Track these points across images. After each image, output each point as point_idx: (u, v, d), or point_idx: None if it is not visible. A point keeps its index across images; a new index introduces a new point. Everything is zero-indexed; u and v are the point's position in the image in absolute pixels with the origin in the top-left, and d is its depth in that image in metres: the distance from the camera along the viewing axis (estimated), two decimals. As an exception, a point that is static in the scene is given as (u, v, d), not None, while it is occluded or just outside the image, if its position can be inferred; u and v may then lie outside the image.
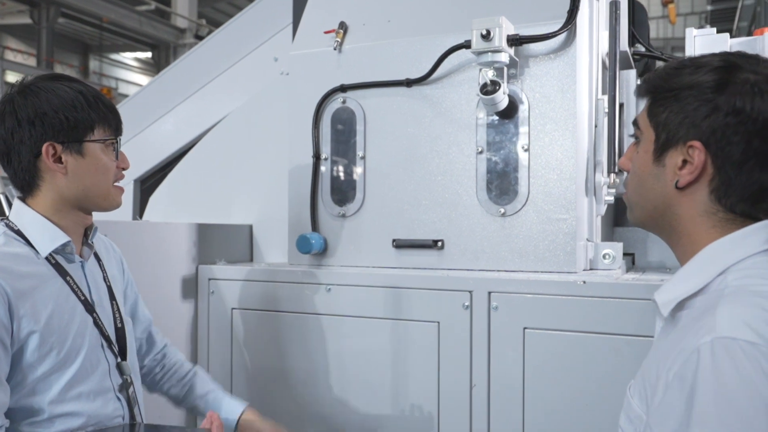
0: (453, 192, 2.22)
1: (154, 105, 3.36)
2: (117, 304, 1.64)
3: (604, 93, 2.32)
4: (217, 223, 2.67)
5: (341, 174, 2.41)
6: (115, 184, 1.60)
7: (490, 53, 2.00)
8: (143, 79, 20.07)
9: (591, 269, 2.17)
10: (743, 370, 0.92)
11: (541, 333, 1.97)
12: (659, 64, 3.10)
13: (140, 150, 3.26)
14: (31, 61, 16.67)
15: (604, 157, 2.22)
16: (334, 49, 2.40)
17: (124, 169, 1.62)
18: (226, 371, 2.45)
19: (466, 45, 2.08)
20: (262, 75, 2.99)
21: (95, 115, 1.53)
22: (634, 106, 2.38)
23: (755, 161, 1.09)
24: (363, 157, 2.36)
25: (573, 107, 2.08)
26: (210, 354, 2.48)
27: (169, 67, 3.45)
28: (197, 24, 17.57)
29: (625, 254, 2.42)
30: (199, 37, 16.62)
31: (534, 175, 2.12)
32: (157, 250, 2.35)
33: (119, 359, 1.59)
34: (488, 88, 2.04)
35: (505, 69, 2.08)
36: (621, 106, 2.34)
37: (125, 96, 17.21)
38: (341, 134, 2.41)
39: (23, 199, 1.55)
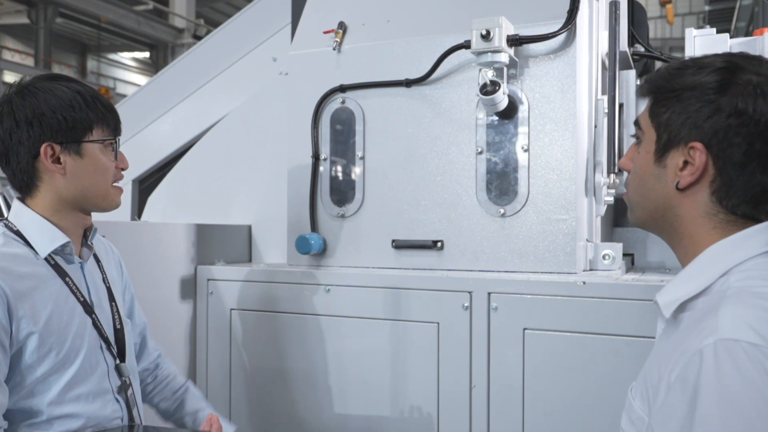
0: (452, 192, 2.22)
1: (152, 105, 3.35)
2: (116, 305, 1.64)
3: (603, 93, 2.32)
4: (215, 224, 2.66)
5: (340, 174, 2.40)
6: (114, 184, 1.59)
7: (489, 53, 2.00)
8: (141, 79, 20.05)
9: (591, 270, 2.17)
10: (746, 371, 0.91)
11: (540, 334, 1.96)
12: (658, 64, 3.11)
13: (138, 150, 3.25)
14: (29, 61, 16.65)
15: (603, 158, 2.22)
16: (334, 49, 2.40)
17: (123, 169, 1.61)
18: (225, 372, 2.44)
19: (466, 45, 2.08)
20: (260, 75, 2.99)
21: (93, 116, 1.52)
22: (634, 107, 2.38)
23: (757, 163, 1.09)
24: (362, 158, 2.36)
25: (573, 107, 2.08)
26: (209, 355, 2.48)
27: (168, 67, 3.44)
28: (195, 24, 17.56)
29: (624, 255, 2.42)
30: (198, 37, 16.60)
31: (534, 176, 2.12)
32: (156, 251, 2.34)
33: (118, 361, 1.59)
34: (488, 89, 2.04)
35: (505, 69, 2.08)
36: (621, 106, 2.34)
37: (123, 96, 17.19)
38: (340, 134, 2.40)
39: (22, 200, 1.54)
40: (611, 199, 2.28)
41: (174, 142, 3.27)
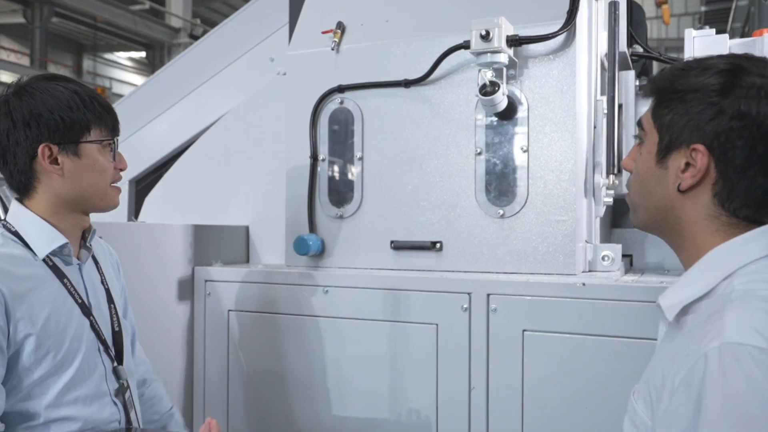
0: (451, 193, 2.21)
1: (149, 105, 3.34)
2: (115, 307, 1.63)
3: (603, 94, 2.32)
4: (213, 225, 2.65)
5: (339, 175, 2.39)
6: (113, 184, 1.58)
7: (489, 54, 1.99)
8: (137, 79, 20.00)
9: (590, 271, 2.16)
10: (751, 375, 0.91)
11: (540, 335, 1.96)
12: (656, 64, 3.10)
13: (135, 150, 3.23)
14: (25, 61, 16.60)
15: (603, 158, 2.21)
16: (332, 49, 2.39)
17: (121, 169, 1.60)
18: (223, 374, 2.43)
19: (465, 45, 2.07)
20: (258, 75, 2.98)
21: (91, 116, 1.51)
22: (633, 107, 2.37)
23: (759, 166, 1.08)
24: (361, 158, 2.35)
25: (572, 108, 2.07)
26: (206, 356, 2.47)
27: (165, 67, 3.43)
28: (192, 24, 17.53)
29: (623, 256, 2.41)
30: (194, 37, 16.57)
31: (533, 177, 2.11)
32: (153, 252, 2.33)
33: (116, 363, 1.58)
34: (487, 89, 2.03)
35: (504, 70, 2.07)
36: (620, 107, 2.33)
37: (119, 96, 17.16)
38: (339, 135, 2.39)
39: (20, 201, 1.53)
40: (610, 200, 2.27)
41: (171, 143, 3.26)
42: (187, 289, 2.47)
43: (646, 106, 2.33)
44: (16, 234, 1.48)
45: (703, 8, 15.45)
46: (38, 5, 15.50)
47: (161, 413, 1.86)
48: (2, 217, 1.54)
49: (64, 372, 1.45)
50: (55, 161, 1.49)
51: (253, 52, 3.07)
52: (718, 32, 2.34)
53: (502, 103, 2.06)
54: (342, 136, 2.39)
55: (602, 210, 2.25)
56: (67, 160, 1.49)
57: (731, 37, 2.40)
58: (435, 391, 2.08)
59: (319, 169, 2.42)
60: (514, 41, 2.05)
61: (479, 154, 2.18)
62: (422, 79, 2.23)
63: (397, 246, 2.27)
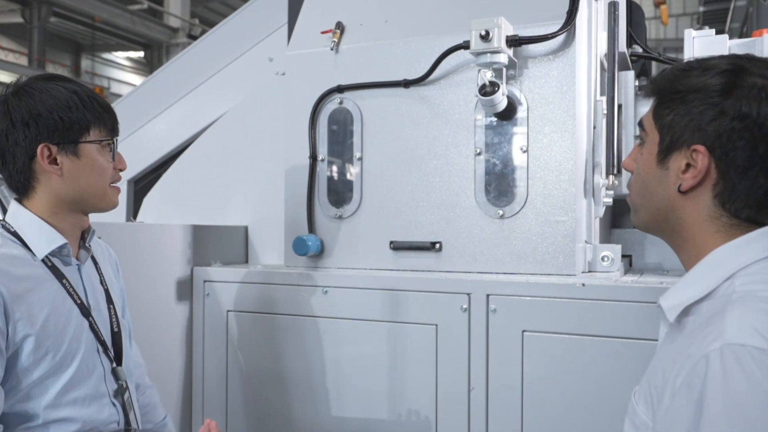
0: (451, 194, 2.21)
1: (147, 105, 3.33)
2: (114, 308, 1.62)
3: (602, 94, 2.31)
4: (212, 225, 2.65)
5: (338, 175, 2.39)
6: (112, 184, 1.58)
7: (489, 54, 1.99)
8: (136, 79, 19.98)
9: (590, 271, 2.16)
10: (753, 377, 0.91)
11: (539, 336, 1.96)
12: (655, 65, 3.10)
13: (134, 150, 3.23)
14: (23, 61, 16.57)
15: (602, 159, 2.21)
16: (331, 49, 2.39)
17: (121, 170, 1.60)
18: (222, 374, 2.43)
19: (465, 45, 2.07)
20: (256, 75, 2.97)
21: (90, 116, 1.51)
22: (633, 108, 2.37)
23: (760, 167, 1.08)
24: (360, 158, 2.34)
25: (572, 108, 2.07)
26: (205, 357, 2.46)
27: (163, 67, 3.43)
28: (190, 23, 17.51)
29: (622, 256, 2.41)
30: (192, 37, 16.55)
31: (533, 177, 2.11)
32: (152, 252, 2.32)
33: (114, 364, 1.57)
34: (487, 89, 2.03)
35: (504, 70, 2.07)
36: (619, 107, 2.33)
37: (117, 95, 17.14)
38: (338, 135, 2.39)
39: (20, 201, 1.53)
40: (610, 200, 2.27)
41: (170, 143, 3.25)
42: (185, 289, 2.46)
43: (645, 106, 2.35)
44: (15, 234, 1.48)
45: (701, 8, 15.47)
46: (36, 5, 15.48)
47: (154, 422, 1.84)
48: (1, 218, 1.53)
49: (63, 373, 1.45)
50: (54, 161, 1.48)
51: (252, 52, 3.07)
52: (716, 33, 2.34)
53: (502, 104, 2.05)
54: (341, 137, 2.38)
55: (602, 210, 2.25)
56: (67, 161, 1.49)
57: (730, 37, 2.40)
58: (434, 391, 2.08)
59: (318, 169, 2.41)
60: (514, 41, 2.05)
61: (479, 154, 2.17)
62: (422, 79, 2.23)
63: (397, 246, 2.27)
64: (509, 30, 2.03)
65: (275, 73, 2.82)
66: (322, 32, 2.43)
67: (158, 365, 2.33)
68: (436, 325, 2.07)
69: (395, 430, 2.14)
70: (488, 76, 2.03)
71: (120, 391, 1.57)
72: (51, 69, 16.74)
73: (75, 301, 1.50)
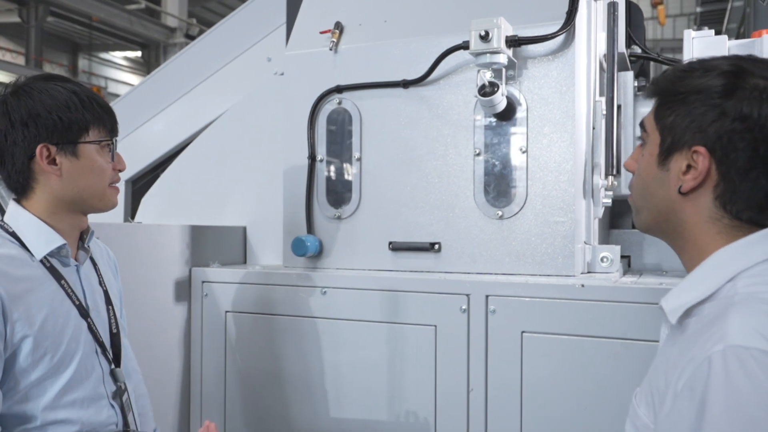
0: (450, 194, 2.20)
1: (145, 105, 3.33)
2: (113, 309, 1.62)
3: (601, 95, 2.31)
4: (210, 225, 2.64)
5: (337, 175, 2.38)
6: (111, 185, 1.57)
7: (488, 54, 1.99)
8: (133, 79, 19.94)
9: (589, 272, 2.16)
10: (755, 379, 0.90)
11: (539, 337, 1.95)
12: (653, 65, 3.10)
13: (132, 150, 3.22)
14: (20, 60, 16.54)
15: (602, 159, 2.21)
16: (330, 49, 2.38)
17: (120, 170, 1.59)
18: (220, 375, 2.42)
19: (464, 46, 2.07)
20: (255, 75, 2.97)
21: (90, 116, 1.50)
22: (632, 108, 2.37)
23: (761, 169, 1.08)
24: (359, 159, 2.34)
25: (571, 109, 2.06)
26: (203, 358, 2.45)
27: (161, 67, 3.42)
28: (187, 23, 17.49)
29: (621, 257, 2.41)
30: (190, 37, 16.53)
31: (532, 178, 2.11)
32: (150, 253, 2.32)
33: (113, 366, 1.56)
34: (486, 90, 2.02)
35: (504, 70, 2.06)
36: (619, 107, 2.33)
37: (115, 95, 17.13)
38: (337, 135, 2.39)
39: (18, 201, 1.52)
40: (609, 201, 2.27)
41: (167, 143, 3.25)
42: (184, 290, 2.46)
43: (644, 106, 2.35)
44: (13, 234, 1.47)
45: (698, 9, 15.46)
46: (33, 4, 15.45)
47: None
48: (1, 217, 1.53)
49: (62, 374, 1.44)
50: (53, 162, 1.47)
51: (250, 52, 3.06)
52: (715, 33, 2.34)
53: (501, 104, 2.05)
54: (340, 137, 2.38)
55: (601, 211, 2.25)
56: (66, 161, 1.48)
57: (728, 38, 2.40)
58: (433, 392, 2.07)
59: (317, 169, 2.41)
60: (514, 42, 2.05)
61: (478, 154, 2.17)
62: (421, 79, 2.23)
63: (396, 247, 2.26)
64: (509, 30, 2.03)
65: (273, 73, 2.81)
66: (321, 32, 2.42)
67: (156, 366, 2.33)
68: (435, 326, 2.07)
69: (394, 431, 2.13)
70: (488, 76, 2.03)
71: (119, 393, 1.56)
72: (48, 68, 16.71)
73: (73, 302, 1.49)
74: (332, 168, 2.39)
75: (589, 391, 1.89)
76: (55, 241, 1.48)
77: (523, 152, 2.12)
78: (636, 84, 2.40)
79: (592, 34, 2.26)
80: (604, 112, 2.21)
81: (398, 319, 2.13)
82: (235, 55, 3.11)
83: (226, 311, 2.41)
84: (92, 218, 1.64)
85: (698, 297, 1.09)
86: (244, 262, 2.77)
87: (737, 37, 2.49)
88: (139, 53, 19.66)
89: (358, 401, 2.19)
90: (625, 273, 2.39)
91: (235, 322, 2.40)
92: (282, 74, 2.59)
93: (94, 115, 1.51)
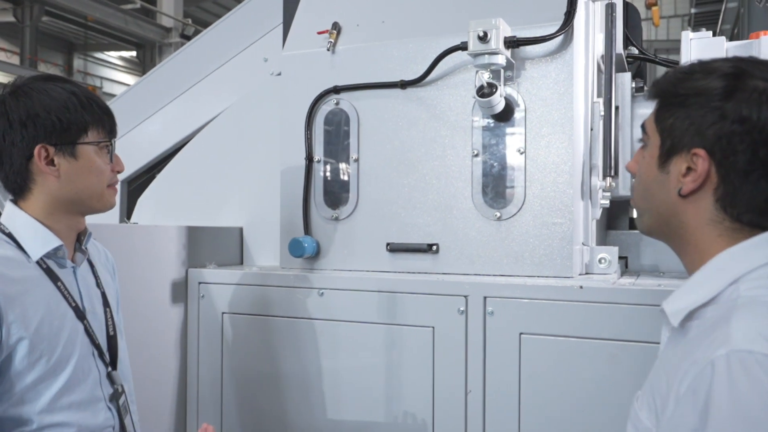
0: (448, 195, 2.20)
1: (141, 105, 3.31)
2: (110, 311, 1.61)
3: (599, 96, 2.31)
4: (206, 226, 2.63)
5: (334, 176, 2.37)
6: (109, 186, 1.56)
7: (486, 55, 1.98)
8: (128, 78, 19.88)
9: (587, 274, 2.16)
10: (759, 383, 0.90)
11: (537, 338, 1.95)
12: (652, 66, 3.10)
13: (127, 151, 3.19)
14: (15, 60, 16.47)
15: (599, 161, 2.21)
16: (327, 50, 2.38)
17: (118, 172, 1.58)
18: (216, 377, 2.41)
19: (463, 47, 2.06)
20: (251, 75, 2.95)
21: (89, 117, 1.49)
22: (629, 109, 2.37)
23: (761, 171, 1.07)
24: (357, 160, 2.33)
25: (570, 110, 2.06)
26: (200, 359, 2.44)
27: (157, 67, 3.40)
28: (183, 23, 17.45)
29: (618, 258, 2.41)
30: (185, 37, 16.48)
31: (530, 179, 2.10)
32: (147, 254, 2.31)
33: (110, 368, 1.55)
34: (485, 91, 2.02)
35: (502, 71, 2.06)
36: (616, 109, 2.33)
37: (110, 95, 17.07)
38: (334, 136, 2.38)
39: (15, 202, 1.51)
40: (607, 202, 2.27)
41: (164, 143, 3.23)
42: (180, 291, 2.44)
43: (642, 108, 2.35)
44: (9, 236, 1.46)
45: (692, 10, 15.49)
46: (28, 4, 15.39)
47: None
48: None
49: (58, 377, 1.43)
50: (51, 162, 1.46)
51: (247, 52, 3.05)
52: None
53: (500, 105, 2.05)
54: (337, 138, 2.37)
55: (599, 212, 2.25)
56: (64, 162, 1.47)
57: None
58: (431, 394, 2.07)
59: (314, 170, 2.40)
60: (512, 43, 2.04)
61: (476, 155, 2.16)
62: (419, 80, 2.22)
63: (393, 248, 2.26)
64: (507, 31, 2.02)
65: (270, 74, 2.81)
66: (319, 33, 2.41)
67: (153, 367, 2.32)
68: (433, 327, 2.07)
69: (392, 433, 2.13)
70: (486, 77, 2.03)
71: (115, 396, 1.55)
72: (43, 68, 16.65)
73: (70, 304, 1.48)
74: (329, 169, 2.39)
75: (587, 392, 1.89)
76: (52, 242, 1.47)
77: (521, 153, 2.11)
78: (633, 85, 2.40)
79: (590, 35, 2.26)
80: (602, 113, 2.21)
81: (396, 321, 2.12)
82: (232, 56, 3.09)
83: (223, 312, 2.40)
84: (88, 219, 1.63)
85: (700, 300, 1.08)
86: (241, 263, 2.76)
87: (731, 39, 2.48)
88: (134, 53, 19.61)
89: (355, 403, 2.18)
90: (622, 274, 2.39)
91: (232, 324, 2.39)
92: (279, 74, 2.59)
93: (93, 116, 1.50)
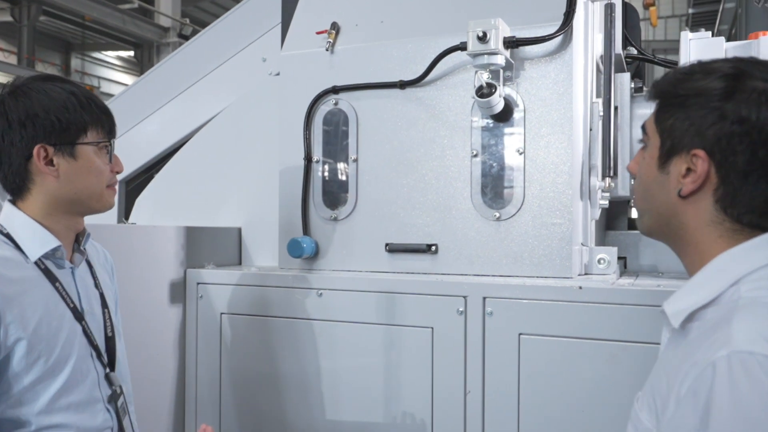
0: (447, 196, 2.19)
1: (139, 105, 3.30)
2: (108, 312, 1.60)
3: (598, 96, 2.31)
4: (205, 226, 2.62)
5: (333, 177, 2.37)
6: (108, 186, 1.56)
7: (486, 55, 1.98)
8: (126, 78, 19.86)
9: (586, 274, 2.15)
10: (760, 385, 0.89)
11: (536, 339, 1.95)
12: (648, 66, 3.10)
13: (125, 151, 3.16)
14: (12, 59, 16.44)
15: (599, 161, 2.21)
16: (326, 50, 2.37)
17: (117, 172, 1.58)
18: (215, 377, 2.41)
19: (462, 47, 2.06)
20: (250, 75, 2.95)
21: (88, 117, 1.49)
22: (628, 110, 2.37)
23: (761, 172, 1.07)
24: (355, 160, 2.33)
25: (569, 110, 2.06)
26: (198, 360, 2.44)
27: (155, 67, 3.39)
28: (181, 23, 17.43)
29: (617, 258, 2.40)
30: (183, 36, 16.46)
31: (529, 179, 2.10)
32: (145, 254, 2.30)
33: (108, 370, 1.55)
34: (484, 91, 2.02)
35: (501, 71, 2.06)
36: (615, 109, 2.33)
37: (108, 95, 17.04)
38: (333, 136, 2.37)
39: (13, 202, 1.50)
40: (606, 202, 2.26)
41: (162, 143, 3.22)
42: (179, 291, 2.44)
43: (641, 108, 2.35)
44: (7, 236, 1.45)
45: (690, 10, 15.51)
46: (26, 3, 15.36)
47: None
48: None
49: (56, 378, 1.42)
50: (50, 162, 1.46)
51: (245, 52, 3.04)
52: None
53: (499, 105, 2.05)
54: (336, 138, 2.37)
55: (598, 212, 2.24)
56: (63, 162, 1.47)
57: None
58: (430, 395, 2.06)
59: (313, 170, 2.40)
60: (511, 43, 2.04)
61: (475, 156, 2.16)
62: (418, 80, 2.22)
63: (392, 249, 2.25)
64: (506, 31, 2.02)
65: (269, 74, 2.80)
66: (317, 33, 2.41)
67: (151, 368, 2.31)
68: (432, 328, 2.06)
69: (391, 434, 2.12)
70: (485, 77, 2.02)
71: (114, 397, 1.54)
72: (40, 68, 16.62)
73: (68, 305, 1.48)
74: (328, 169, 2.38)
75: (586, 393, 1.89)
76: (50, 242, 1.47)
77: (521, 154, 2.11)
78: (632, 85, 2.40)
79: (589, 36, 2.25)
80: (601, 114, 2.21)
81: (395, 321, 2.12)
82: (230, 56, 3.08)
83: (222, 313, 2.40)
84: (86, 219, 1.63)
85: (701, 301, 1.08)
86: (240, 263, 2.75)
87: (728, 39, 2.48)
88: (132, 53, 19.58)
89: (354, 404, 2.18)
90: (621, 274, 2.39)
91: (231, 324, 2.39)
92: (277, 74, 2.58)
93: (93, 117, 1.50)
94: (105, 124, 1.53)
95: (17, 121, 1.44)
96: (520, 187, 2.11)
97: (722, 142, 1.08)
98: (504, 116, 2.11)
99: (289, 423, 2.27)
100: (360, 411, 2.17)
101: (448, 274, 2.17)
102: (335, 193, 2.36)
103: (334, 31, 2.38)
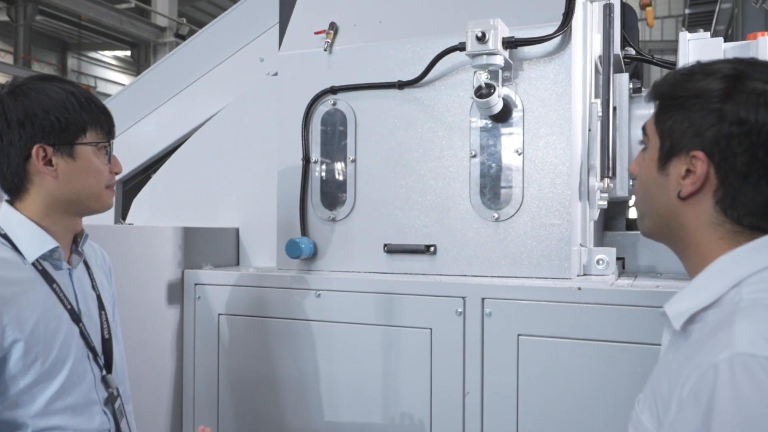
0: (446, 196, 2.19)
1: (137, 105, 3.29)
2: (105, 314, 1.59)
3: (597, 97, 2.31)
4: (203, 227, 2.62)
5: (331, 177, 2.37)
6: (107, 186, 1.55)
7: (484, 56, 1.98)
8: (122, 78, 19.83)
9: (584, 275, 2.15)
10: (763, 387, 0.89)
11: (535, 340, 1.94)
12: (646, 67, 3.10)
13: (123, 151, 3.15)
14: (8, 59, 16.41)
15: (597, 162, 2.20)
16: (325, 50, 2.37)
17: (116, 173, 1.57)
18: (213, 378, 2.40)
19: (461, 47, 2.06)
20: (248, 75, 2.94)
21: (87, 117, 1.48)
22: (627, 110, 2.37)
23: (761, 173, 1.06)
24: (354, 160, 2.32)
25: (568, 111, 2.06)
26: (196, 361, 2.43)
27: (153, 67, 3.38)
28: (177, 23, 17.41)
29: (616, 259, 2.40)
30: (180, 36, 16.44)
31: (528, 180, 2.10)
32: (143, 255, 2.29)
33: (105, 372, 1.54)
34: (483, 91, 2.02)
35: (500, 72, 2.06)
36: (614, 109, 2.32)
37: (104, 95, 17.02)
38: (331, 137, 2.37)
39: (11, 203, 1.49)
40: (605, 203, 2.26)
41: (159, 143, 3.21)
42: (176, 292, 2.43)
43: (640, 108, 2.35)
44: (5, 236, 1.44)
45: (687, 11, 15.53)
46: (22, 3, 15.32)
47: None
48: None
49: (53, 380, 1.41)
50: (49, 162, 1.45)
51: (243, 52, 3.03)
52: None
53: (497, 106, 2.04)
54: (335, 138, 2.36)
55: (596, 213, 2.24)
56: (62, 162, 1.46)
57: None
58: (429, 396, 2.06)
59: (311, 171, 2.39)
60: (510, 43, 2.04)
61: (474, 156, 2.16)
62: (416, 80, 2.21)
63: (391, 249, 2.25)
64: (505, 32, 2.02)
65: (266, 74, 2.79)
66: (316, 33, 2.40)
67: (149, 369, 2.31)
68: (431, 328, 2.06)
69: (389, 435, 2.12)
70: (484, 78, 2.02)
71: (111, 399, 1.53)
72: (37, 68, 16.59)
73: (65, 307, 1.47)
74: (326, 169, 2.38)
75: (585, 393, 1.88)
76: (48, 243, 1.46)
77: (519, 154, 2.11)
78: (631, 86, 2.40)
79: (588, 36, 2.25)
80: (600, 114, 2.21)
81: (393, 322, 2.11)
82: (228, 56, 3.08)
83: (219, 314, 2.39)
84: (84, 220, 1.62)
85: (702, 303, 1.07)
86: (237, 264, 2.74)
87: (725, 39, 2.47)
88: (128, 52, 19.55)
89: (352, 405, 2.17)
90: (620, 275, 2.39)
91: (229, 325, 2.38)
92: (275, 74, 2.58)
93: (92, 117, 1.49)
94: (104, 124, 1.52)
95: (16, 120, 1.43)
96: (519, 188, 2.10)
97: (721, 144, 1.07)
98: (503, 117, 2.11)
99: (287, 424, 2.26)
100: (358, 412, 2.16)
101: (447, 275, 2.17)
102: (333, 194, 2.36)
103: (332, 32, 2.38)
